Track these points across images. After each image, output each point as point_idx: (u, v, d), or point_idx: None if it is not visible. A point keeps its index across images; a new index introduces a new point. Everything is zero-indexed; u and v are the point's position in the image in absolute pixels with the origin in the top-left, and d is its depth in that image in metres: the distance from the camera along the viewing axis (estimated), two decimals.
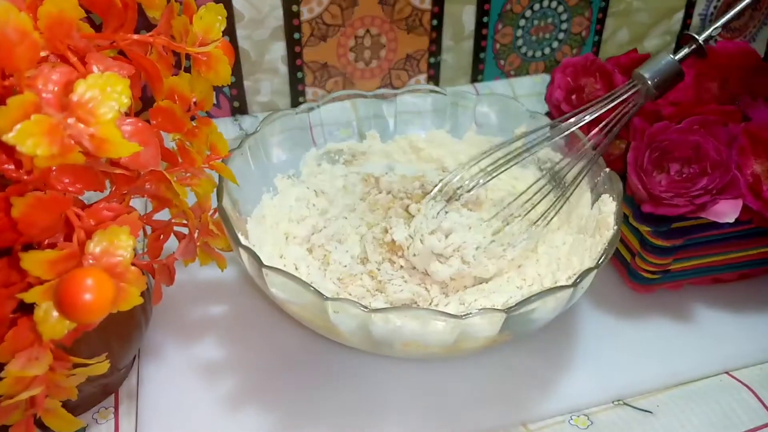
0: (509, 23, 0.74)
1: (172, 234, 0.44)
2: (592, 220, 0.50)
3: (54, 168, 0.32)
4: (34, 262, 0.31)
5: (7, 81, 0.30)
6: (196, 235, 0.44)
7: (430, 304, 0.51)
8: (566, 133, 0.54)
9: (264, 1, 0.65)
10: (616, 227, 0.46)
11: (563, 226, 0.54)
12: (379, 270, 0.54)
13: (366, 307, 0.40)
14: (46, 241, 0.33)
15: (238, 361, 0.50)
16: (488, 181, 0.56)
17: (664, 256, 0.52)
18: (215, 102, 0.69)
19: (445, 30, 0.72)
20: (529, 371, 0.49)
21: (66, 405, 0.37)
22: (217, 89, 0.69)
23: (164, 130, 0.41)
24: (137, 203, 0.57)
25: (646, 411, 0.47)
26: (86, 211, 0.34)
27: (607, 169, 0.51)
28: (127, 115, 0.34)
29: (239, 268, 0.56)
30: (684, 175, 0.50)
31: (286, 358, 0.50)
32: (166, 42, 0.39)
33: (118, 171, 0.35)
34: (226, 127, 0.69)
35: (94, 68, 0.32)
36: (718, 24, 0.51)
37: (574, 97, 0.60)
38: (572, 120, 0.53)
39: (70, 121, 0.29)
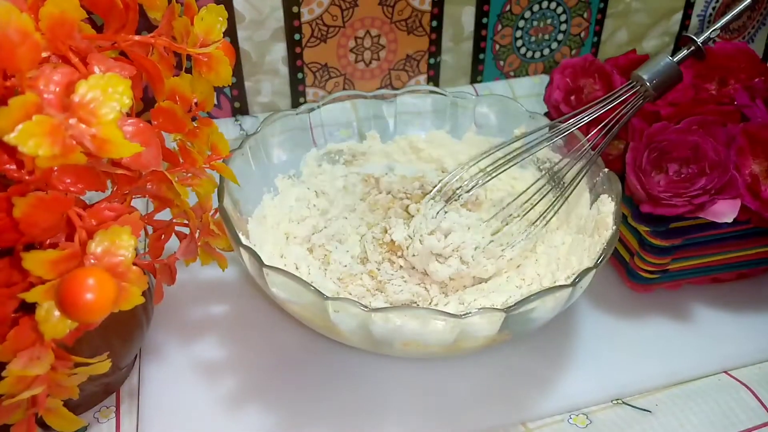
0: (508, 24, 0.74)
1: (173, 234, 0.44)
2: (591, 220, 0.51)
3: (55, 168, 0.32)
4: (35, 261, 0.31)
5: (8, 81, 0.30)
6: (197, 235, 0.44)
7: (430, 303, 0.51)
8: (565, 133, 0.54)
9: (265, 2, 0.65)
10: (614, 227, 0.46)
11: (562, 226, 0.54)
12: (378, 270, 0.54)
13: (366, 307, 0.40)
14: (48, 241, 0.33)
15: (239, 361, 0.50)
16: (487, 181, 0.56)
17: (662, 255, 0.52)
18: (216, 103, 0.69)
19: (445, 31, 0.72)
20: (529, 371, 0.50)
21: (67, 404, 0.37)
22: (218, 90, 0.69)
23: (165, 131, 0.41)
24: (138, 203, 0.57)
25: (645, 410, 0.47)
26: (88, 211, 0.34)
27: (606, 170, 0.51)
28: (128, 115, 0.34)
29: (240, 267, 0.56)
30: (682, 175, 0.50)
31: (287, 357, 0.50)
32: (167, 43, 0.39)
33: (120, 171, 0.35)
34: (227, 128, 0.69)
35: (96, 69, 0.32)
36: (717, 26, 0.51)
37: (573, 97, 0.60)
38: (571, 120, 0.53)
39: (72, 121, 0.29)
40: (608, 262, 0.56)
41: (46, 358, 0.34)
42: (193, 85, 0.42)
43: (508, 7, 0.73)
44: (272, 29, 0.67)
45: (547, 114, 0.63)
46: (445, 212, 0.55)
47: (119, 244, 0.33)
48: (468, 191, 0.57)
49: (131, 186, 0.38)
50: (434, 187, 0.58)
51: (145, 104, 0.42)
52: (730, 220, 0.48)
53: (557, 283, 0.49)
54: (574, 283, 0.42)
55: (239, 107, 0.71)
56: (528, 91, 0.77)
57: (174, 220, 0.44)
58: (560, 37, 0.77)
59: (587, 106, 0.53)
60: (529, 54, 0.78)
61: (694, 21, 0.80)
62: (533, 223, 0.53)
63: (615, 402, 0.48)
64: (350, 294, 0.51)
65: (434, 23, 0.71)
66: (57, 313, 0.32)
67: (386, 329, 0.42)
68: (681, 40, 0.52)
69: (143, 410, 0.46)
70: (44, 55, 0.32)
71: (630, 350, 0.51)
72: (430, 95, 0.61)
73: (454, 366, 0.50)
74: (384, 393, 0.48)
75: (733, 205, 0.49)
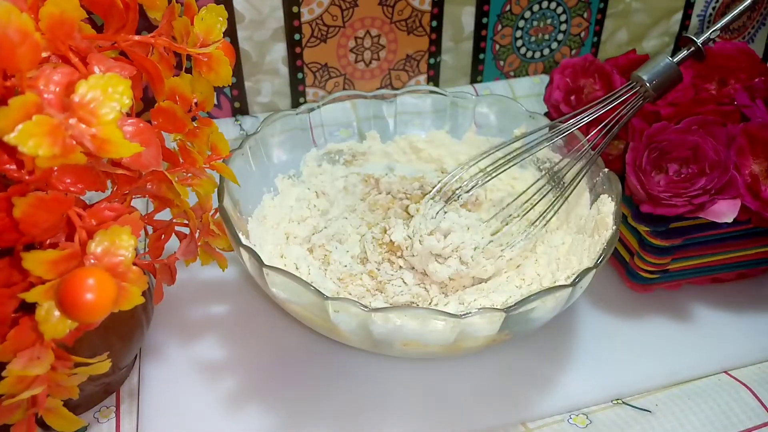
0: (508, 24, 0.74)
1: (173, 234, 0.45)
2: (591, 220, 0.51)
3: (55, 168, 0.32)
4: (35, 262, 0.31)
5: (8, 81, 0.30)
6: (197, 235, 0.44)
7: (430, 303, 0.51)
8: (565, 133, 0.54)
9: (265, 2, 0.65)
10: (614, 227, 0.46)
11: (562, 226, 0.54)
12: (378, 270, 0.54)
13: (366, 307, 0.40)
14: (48, 241, 0.33)
15: (239, 361, 0.50)
16: (487, 181, 0.56)
17: (662, 255, 0.52)
18: (216, 103, 0.69)
19: (445, 31, 0.72)
20: (529, 370, 0.50)
21: (67, 404, 0.37)
22: (218, 90, 0.69)
23: (165, 131, 0.41)
24: (138, 203, 0.57)
25: (644, 410, 0.47)
26: (88, 211, 0.34)
27: (606, 170, 0.51)
28: (128, 115, 0.34)
29: (240, 267, 0.56)
30: (682, 175, 0.50)
31: (287, 357, 0.50)
32: (167, 43, 0.39)
33: (120, 171, 0.35)
34: (227, 128, 0.69)
35: (96, 69, 0.33)
36: (717, 27, 0.51)
37: (573, 97, 0.60)
38: (571, 121, 0.53)
39: (72, 121, 0.29)
40: (608, 262, 0.56)
41: (46, 358, 0.34)
42: (193, 85, 0.42)
43: (508, 7, 0.73)
44: (272, 29, 0.67)
45: (547, 114, 0.63)
46: (445, 212, 0.55)
47: (119, 244, 0.33)
48: (468, 191, 0.57)
49: (131, 186, 0.38)
50: (434, 188, 0.58)
51: (145, 104, 0.42)
52: (730, 220, 0.48)
53: (557, 283, 0.49)
54: (574, 283, 0.42)
55: (239, 107, 0.71)
56: (528, 91, 0.78)
57: (174, 220, 0.44)
58: (560, 37, 0.77)
59: (587, 106, 0.53)
60: (529, 54, 0.78)
61: (694, 21, 0.80)
62: (533, 223, 0.53)
63: (615, 402, 0.48)
64: (350, 294, 0.51)
65: (434, 23, 0.71)
66: (57, 313, 0.32)
67: (386, 329, 0.42)
68: (681, 41, 0.52)
69: (143, 410, 0.46)
70: (44, 55, 0.32)
71: (630, 350, 0.51)
72: (430, 95, 0.61)
73: (454, 366, 0.50)
74: (384, 393, 0.48)
75: (733, 205, 0.49)
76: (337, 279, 0.53)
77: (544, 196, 0.54)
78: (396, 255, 0.54)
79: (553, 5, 0.74)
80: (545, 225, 0.53)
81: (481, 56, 0.76)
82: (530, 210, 0.54)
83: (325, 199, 0.58)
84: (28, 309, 0.32)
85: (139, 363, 0.50)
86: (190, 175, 0.42)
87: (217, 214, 0.46)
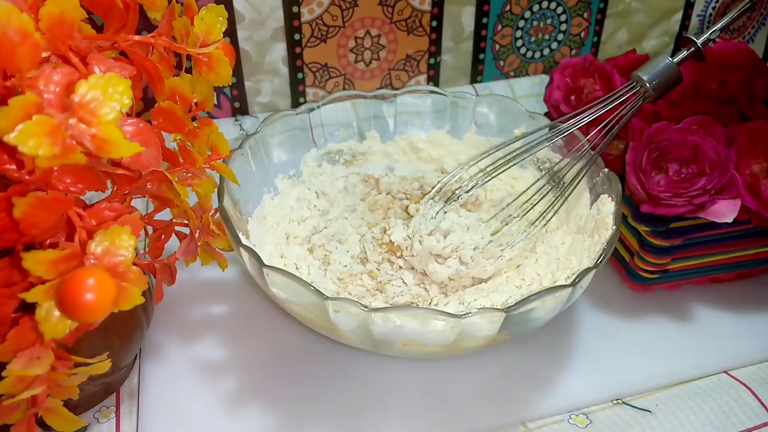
0: (508, 24, 0.74)
1: (173, 234, 0.45)
2: (591, 220, 0.51)
3: (55, 168, 0.32)
4: (35, 262, 0.31)
5: (8, 81, 0.30)
6: (197, 235, 0.44)
7: (430, 303, 0.51)
8: (565, 133, 0.54)
9: (265, 2, 0.65)
10: (614, 227, 0.46)
11: (562, 226, 0.54)
12: (378, 270, 0.54)
13: (366, 307, 0.40)
14: (48, 241, 0.33)
15: (239, 361, 0.50)
16: (487, 181, 0.56)
17: (662, 255, 0.52)
18: (216, 103, 0.69)
19: (445, 31, 0.72)
20: (529, 370, 0.50)
21: (67, 404, 0.37)
22: (218, 90, 0.69)
23: (165, 131, 0.41)
24: (138, 203, 0.57)
25: (644, 410, 0.47)
26: (88, 211, 0.34)
27: (606, 170, 0.51)
28: (128, 115, 0.34)
29: (240, 267, 0.56)
30: (682, 175, 0.50)
31: (287, 357, 0.50)
32: (167, 43, 0.39)
33: (120, 171, 0.35)
34: (227, 128, 0.69)
35: (96, 69, 0.33)
36: (716, 27, 0.51)
37: (573, 97, 0.60)
38: (571, 121, 0.53)
39: (72, 121, 0.29)
40: (608, 262, 0.56)
41: (46, 358, 0.34)
42: (193, 85, 0.42)
43: (508, 7, 0.73)
44: (272, 29, 0.67)
45: (547, 114, 0.63)
46: (445, 212, 0.55)
47: (119, 244, 0.33)
48: (467, 191, 0.57)
49: (131, 186, 0.38)
50: (433, 188, 0.58)
51: (145, 104, 0.42)
52: (730, 220, 0.48)
53: (557, 283, 0.49)
54: (574, 283, 0.42)
55: (239, 107, 0.71)
56: (528, 91, 0.78)
57: (174, 220, 0.44)
58: (560, 37, 0.77)
59: (587, 106, 0.53)
60: (529, 54, 0.78)
61: (694, 21, 0.80)
62: (533, 223, 0.53)
63: (615, 402, 0.48)
64: (350, 294, 0.51)
65: (434, 23, 0.71)
66: (57, 313, 0.32)
67: (386, 329, 0.42)
68: (681, 41, 0.52)
69: (143, 410, 0.46)
70: (44, 55, 0.32)
71: (630, 350, 0.51)
72: (430, 95, 0.61)
73: (454, 366, 0.50)
74: (384, 393, 0.48)
75: (733, 205, 0.49)
76: (337, 279, 0.53)
77: (544, 196, 0.54)
78: (396, 255, 0.54)
79: (553, 5, 0.74)
80: (545, 225, 0.53)
81: (481, 56, 0.76)
82: (530, 210, 0.54)
83: (325, 199, 0.58)
84: (28, 309, 0.32)
85: (139, 363, 0.50)
86: (190, 175, 0.42)
87: (217, 214, 0.46)
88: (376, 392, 0.48)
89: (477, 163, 0.57)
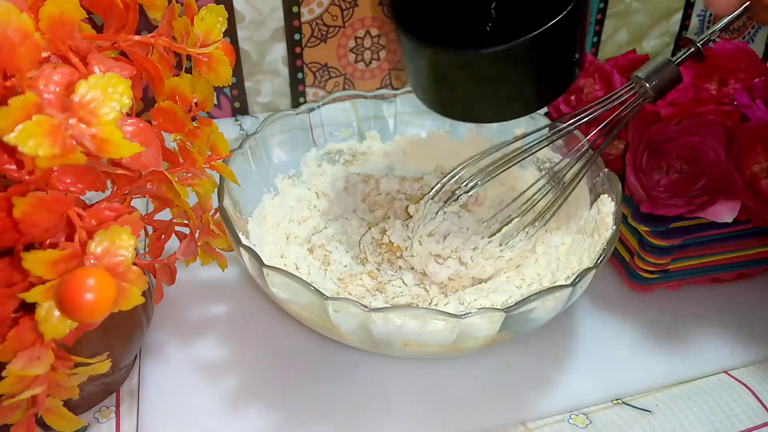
0: None
1: (173, 234, 0.45)
2: (591, 220, 0.51)
3: (55, 168, 0.32)
4: (35, 262, 0.31)
5: (8, 81, 0.30)
6: (197, 235, 0.44)
7: (430, 303, 0.51)
8: (565, 133, 0.54)
9: (265, 2, 0.65)
10: (614, 227, 0.46)
11: (562, 226, 0.54)
12: (378, 270, 0.54)
13: (366, 307, 0.40)
14: (48, 241, 0.33)
15: (239, 361, 0.50)
16: (487, 181, 0.56)
17: (662, 255, 0.52)
18: (216, 103, 0.69)
19: None
20: (529, 370, 0.50)
21: (67, 404, 0.37)
22: (218, 90, 0.69)
23: (165, 131, 0.41)
24: (138, 203, 0.57)
25: (644, 410, 0.47)
26: (88, 211, 0.34)
27: (606, 170, 0.51)
28: (128, 115, 0.34)
29: (240, 267, 0.56)
30: (682, 175, 0.50)
31: (287, 357, 0.50)
32: (167, 43, 0.39)
33: (120, 171, 0.35)
34: (227, 128, 0.69)
35: (96, 69, 0.32)
36: (716, 27, 0.51)
37: (573, 97, 0.60)
38: (571, 121, 0.53)
39: (72, 121, 0.29)
40: (608, 262, 0.56)
41: (46, 358, 0.34)
42: (193, 85, 0.42)
43: None
44: (272, 29, 0.67)
45: (547, 114, 0.63)
46: (444, 213, 0.55)
47: (119, 244, 0.33)
48: (467, 191, 0.57)
49: (131, 186, 0.38)
50: (433, 188, 0.58)
51: (145, 104, 0.42)
52: (730, 220, 0.48)
53: (557, 283, 0.49)
54: (574, 283, 0.42)
55: (239, 107, 0.72)
56: None
57: (174, 220, 0.44)
58: None
59: (587, 106, 0.53)
60: None
61: (694, 21, 0.80)
62: (532, 224, 0.53)
63: (615, 402, 0.48)
64: (350, 294, 0.51)
65: None
66: (57, 313, 0.32)
67: (386, 329, 0.42)
68: (681, 41, 0.52)
69: (143, 410, 0.46)
70: (44, 55, 0.32)
71: (630, 350, 0.51)
72: None
73: (454, 366, 0.50)
74: (384, 393, 0.48)
75: (733, 205, 0.49)
76: (337, 279, 0.53)
77: (544, 196, 0.54)
78: (396, 255, 0.54)
79: None
80: (545, 225, 0.53)
81: None
82: (530, 210, 0.54)
83: (325, 200, 0.58)
84: (28, 309, 0.32)
85: (139, 363, 0.50)
86: (190, 175, 0.42)
87: (217, 214, 0.46)
88: (376, 392, 0.48)
89: (477, 163, 0.57)
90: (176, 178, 0.39)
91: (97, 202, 0.35)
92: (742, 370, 0.50)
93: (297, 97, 0.72)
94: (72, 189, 0.33)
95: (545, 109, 0.63)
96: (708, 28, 0.52)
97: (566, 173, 0.54)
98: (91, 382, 0.39)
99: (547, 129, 0.56)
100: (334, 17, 0.68)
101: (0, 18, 0.28)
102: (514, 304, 0.40)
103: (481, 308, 0.41)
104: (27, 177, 0.31)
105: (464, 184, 0.57)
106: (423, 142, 0.61)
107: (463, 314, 0.40)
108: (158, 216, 0.44)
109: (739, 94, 0.54)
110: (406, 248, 0.53)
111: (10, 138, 0.28)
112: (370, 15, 0.69)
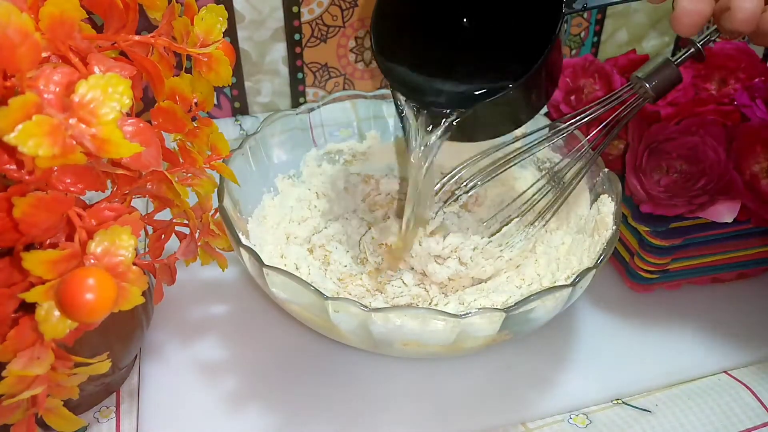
0: None
1: (173, 234, 0.45)
2: (591, 221, 0.51)
3: (55, 168, 0.32)
4: (35, 262, 0.31)
5: (8, 81, 0.30)
6: (197, 235, 0.44)
7: (430, 303, 0.51)
8: (565, 133, 0.54)
9: (265, 2, 0.65)
10: (614, 227, 0.46)
11: (562, 226, 0.54)
12: (378, 270, 0.54)
13: (366, 307, 0.40)
14: (48, 241, 0.33)
15: (239, 360, 0.50)
16: (487, 181, 0.56)
17: (662, 255, 0.52)
18: (216, 103, 0.69)
19: None
20: (529, 370, 0.50)
21: (67, 404, 0.37)
22: (218, 90, 0.69)
23: (165, 131, 0.41)
24: (138, 203, 0.57)
25: (644, 410, 0.47)
26: (88, 211, 0.34)
27: (606, 170, 0.51)
28: (128, 115, 0.34)
29: (240, 268, 0.56)
30: (682, 176, 0.50)
31: (287, 357, 0.50)
32: (167, 43, 0.39)
33: (120, 171, 0.35)
34: (227, 128, 0.69)
35: (96, 69, 0.32)
36: (716, 28, 0.51)
37: (573, 97, 0.60)
38: (571, 121, 0.53)
39: (72, 121, 0.29)
40: (608, 262, 0.56)
41: (46, 358, 0.34)
42: (193, 85, 0.42)
43: None
44: (272, 29, 0.67)
45: (547, 114, 0.63)
46: (444, 213, 0.55)
47: (119, 244, 0.33)
48: (467, 192, 0.57)
49: (131, 186, 0.38)
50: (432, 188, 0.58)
51: (145, 104, 0.42)
52: (730, 220, 0.48)
53: (557, 283, 0.49)
54: (574, 283, 0.42)
55: (239, 107, 0.72)
56: None
57: (174, 220, 0.44)
58: None
59: (587, 106, 0.53)
60: None
61: None
62: (532, 224, 0.53)
63: (615, 402, 0.48)
64: (350, 294, 0.51)
65: None
66: (57, 313, 0.32)
67: (386, 329, 0.42)
68: (681, 41, 0.52)
69: (143, 410, 0.46)
70: (44, 55, 0.32)
71: (630, 350, 0.51)
72: None
73: (454, 366, 0.50)
74: (384, 393, 0.48)
75: (733, 205, 0.49)
76: (337, 279, 0.53)
77: (544, 196, 0.54)
78: (395, 256, 0.54)
79: None
80: (545, 225, 0.53)
81: None
82: (530, 210, 0.54)
83: (325, 200, 0.58)
84: (28, 309, 0.32)
85: (139, 363, 0.50)
86: (190, 175, 0.42)
87: (217, 214, 0.46)
88: (376, 392, 0.48)
89: (477, 163, 0.57)
90: (176, 178, 0.39)
91: (97, 202, 0.35)
92: (742, 370, 0.50)
93: (297, 97, 0.72)
94: (72, 189, 0.33)
95: (545, 109, 0.63)
96: (708, 28, 0.51)
97: (566, 173, 0.54)
98: (91, 382, 0.39)
99: (547, 129, 0.56)
100: (334, 17, 0.68)
101: (0, 18, 0.28)
102: (514, 304, 0.40)
103: (481, 308, 0.41)
104: (27, 177, 0.31)
105: (464, 184, 0.57)
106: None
107: (463, 314, 0.40)
108: (158, 216, 0.44)
109: (739, 94, 0.54)
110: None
111: (10, 138, 0.28)
112: (370, 15, 0.69)
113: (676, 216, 0.49)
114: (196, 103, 0.42)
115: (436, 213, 0.55)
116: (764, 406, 0.48)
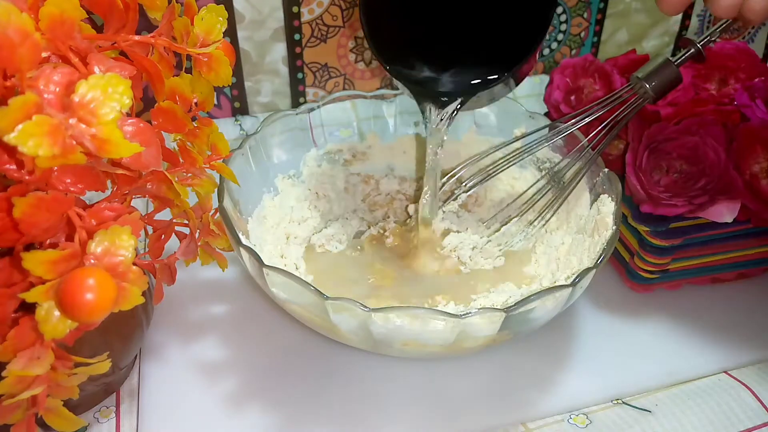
0: None
1: (173, 234, 0.45)
2: (591, 221, 0.51)
3: (55, 168, 0.32)
4: (35, 262, 0.31)
5: (8, 81, 0.30)
6: (197, 235, 0.44)
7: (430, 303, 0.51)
8: (565, 133, 0.54)
9: (265, 2, 0.65)
10: (614, 227, 0.46)
11: (562, 226, 0.54)
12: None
13: (366, 307, 0.40)
14: (48, 241, 0.33)
15: (239, 361, 0.50)
16: (487, 181, 0.56)
17: (662, 255, 0.52)
18: (216, 103, 0.69)
19: None
20: (529, 370, 0.50)
21: (67, 404, 0.37)
22: (218, 90, 0.69)
23: (165, 131, 0.41)
24: (138, 203, 0.57)
25: (644, 410, 0.47)
26: (88, 211, 0.34)
27: (606, 170, 0.51)
28: (128, 115, 0.34)
29: (240, 267, 0.56)
30: (682, 175, 0.50)
31: (287, 357, 0.50)
32: (167, 43, 0.39)
33: (120, 171, 0.35)
34: (227, 128, 0.69)
35: (96, 69, 0.32)
36: (716, 28, 0.51)
37: (573, 97, 0.60)
38: (571, 121, 0.53)
39: (72, 121, 0.29)
40: (608, 262, 0.56)
41: (46, 358, 0.34)
42: (193, 85, 0.42)
43: None
44: (272, 29, 0.67)
45: (547, 114, 0.63)
46: (444, 212, 0.55)
47: (119, 244, 0.33)
48: (467, 191, 0.57)
49: (131, 186, 0.38)
50: None
51: (145, 104, 0.42)
52: (730, 220, 0.48)
53: (557, 283, 0.49)
54: (574, 283, 0.42)
55: (239, 107, 0.71)
56: (528, 91, 0.78)
57: (174, 220, 0.44)
58: (560, 37, 0.77)
59: (587, 106, 0.53)
60: None
61: (694, 21, 0.80)
62: (531, 224, 0.53)
63: (615, 402, 0.48)
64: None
65: None
66: (57, 313, 0.32)
67: (386, 329, 0.42)
68: (681, 42, 0.52)
69: (143, 410, 0.46)
70: (44, 55, 0.32)
71: (630, 350, 0.51)
72: None
73: (454, 366, 0.50)
74: (384, 392, 0.48)
75: (733, 205, 0.49)
76: None
77: (543, 196, 0.54)
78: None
79: None
80: (545, 225, 0.53)
81: None
82: (530, 210, 0.54)
83: (325, 200, 0.58)
84: (28, 309, 0.32)
85: (139, 363, 0.50)
86: (190, 175, 0.42)
87: (217, 214, 0.46)
88: (376, 392, 0.48)
89: (477, 163, 0.57)
90: (176, 178, 0.39)
91: (97, 202, 0.35)
92: (742, 370, 0.50)
93: (297, 97, 0.72)
94: (72, 189, 0.33)
95: (545, 109, 0.63)
96: (708, 28, 0.51)
97: (566, 173, 0.54)
98: (91, 382, 0.39)
99: (547, 129, 0.56)
100: (334, 17, 0.68)
101: (0, 18, 0.28)
102: (514, 304, 0.40)
103: (481, 308, 0.41)
104: (27, 177, 0.31)
105: (464, 184, 0.57)
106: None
107: (463, 314, 0.40)
108: (158, 216, 0.44)
109: (739, 94, 0.54)
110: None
111: (10, 138, 0.27)
112: None
113: (676, 216, 0.49)
114: (196, 103, 0.42)
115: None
116: (764, 406, 0.48)
